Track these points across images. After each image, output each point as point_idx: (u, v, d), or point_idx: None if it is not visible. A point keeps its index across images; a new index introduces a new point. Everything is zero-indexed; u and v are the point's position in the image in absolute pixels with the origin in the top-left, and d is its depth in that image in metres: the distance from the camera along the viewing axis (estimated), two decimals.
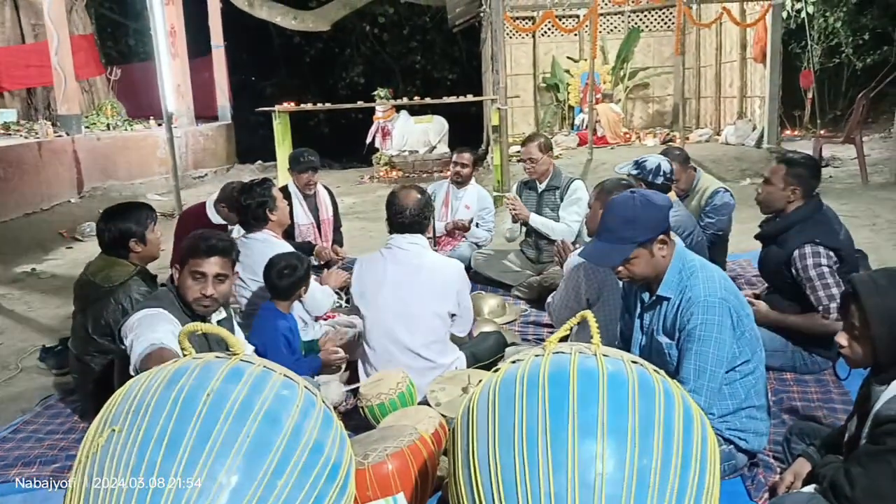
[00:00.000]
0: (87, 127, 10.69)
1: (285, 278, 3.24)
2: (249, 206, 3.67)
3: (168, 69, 8.03)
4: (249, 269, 3.54)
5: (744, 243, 5.24)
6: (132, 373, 2.37)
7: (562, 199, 4.68)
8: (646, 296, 2.49)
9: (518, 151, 10.72)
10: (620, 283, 2.75)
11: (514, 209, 4.69)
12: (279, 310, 3.26)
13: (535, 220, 4.68)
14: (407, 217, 3.07)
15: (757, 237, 3.43)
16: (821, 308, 3.09)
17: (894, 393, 1.86)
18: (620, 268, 2.40)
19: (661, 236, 2.35)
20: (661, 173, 3.69)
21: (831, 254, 3.09)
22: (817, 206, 3.23)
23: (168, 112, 7.46)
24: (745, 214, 5.30)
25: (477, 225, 5.18)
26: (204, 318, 2.63)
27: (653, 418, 1.54)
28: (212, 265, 2.59)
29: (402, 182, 10.83)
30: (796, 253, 3.11)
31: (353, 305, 3.17)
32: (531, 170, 4.73)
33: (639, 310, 2.53)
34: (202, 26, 13.33)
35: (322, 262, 4.72)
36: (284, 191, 4.89)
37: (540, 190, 4.77)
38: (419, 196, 3.11)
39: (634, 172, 3.73)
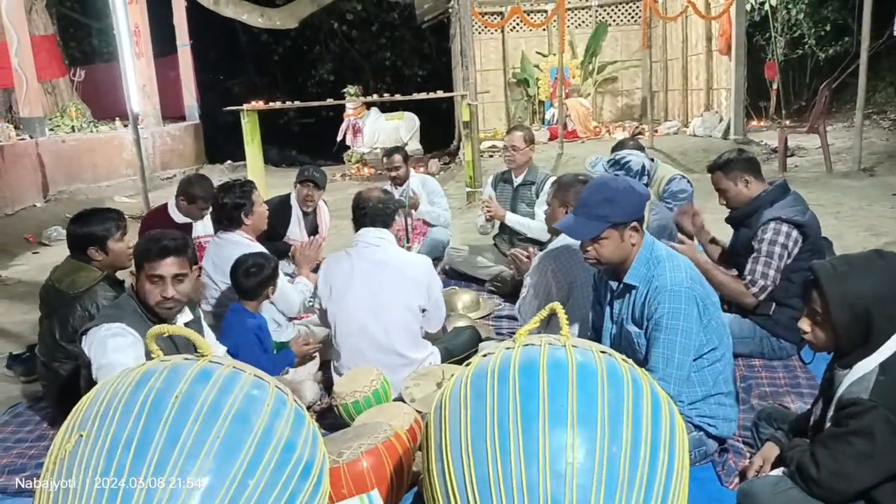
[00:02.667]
0: (51, 129, 10.48)
1: (251, 277, 3.22)
2: (225, 205, 3.62)
3: (133, 69, 7.88)
4: (220, 270, 3.50)
5: (711, 233, 5.32)
6: None
7: (537, 195, 4.66)
8: (614, 284, 2.53)
9: (490, 146, 10.84)
10: (590, 278, 2.79)
11: (489, 211, 4.68)
12: (247, 309, 3.24)
13: (511, 220, 4.66)
14: (369, 209, 3.10)
15: (728, 220, 3.50)
16: (748, 278, 3.20)
17: (856, 377, 1.91)
18: (589, 247, 2.43)
19: (633, 223, 2.39)
20: (646, 173, 3.73)
21: (794, 232, 3.15)
22: (784, 188, 3.31)
23: (134, 113, 7.33)
24: (711, 204, 5.35)
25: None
26: (168, 321, 2.60)
27: (621, 407, 1.56)
28: (168, 266, 2.51)
29: (375, 180, 10.80)
30: (761, 229, 3.18)
31: (322, 309, 3.15)
32: (511, 158, 4.71)
33: (608, 299, 2.57)
34: (167, 25, 13.14)
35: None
36: (286, 202, 4.81)
37: (516, 184, 4.76)
38: (381, 193, 3.18)
39: (619, 174, 3.72)
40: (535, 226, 4.55)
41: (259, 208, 3.71)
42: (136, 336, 2.45)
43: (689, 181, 4.41)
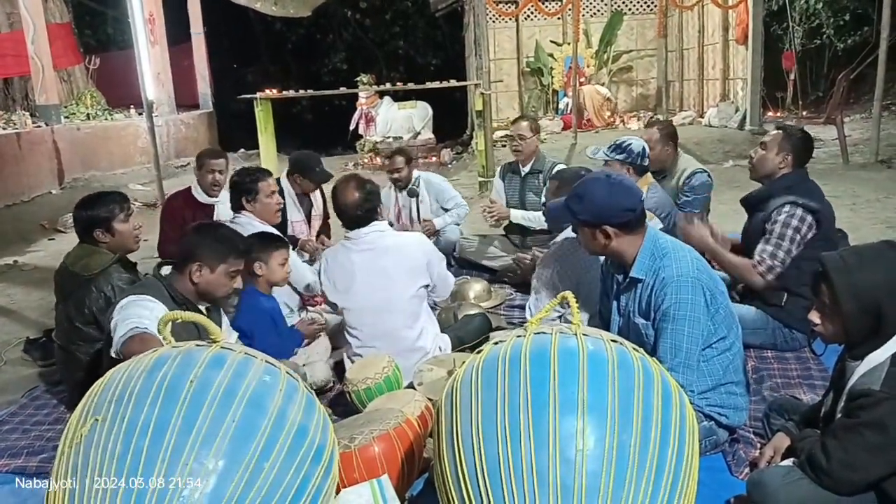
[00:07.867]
0: (66, 117, 10.56)
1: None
2: (234, 186, 3.76)
3: (147, 57, 7.90)
4: None
5: (725, 224, 5.29)
6: (113, 355, 2.37)
7: (545, 184, 4.67)
8: (620, 277, 2.53)
9: (503, 136, 10.82)
10: (598, 273, 2.80)
11: (492, 213, 4.69)
12: (260, 291, 3.30)
13: (517, 216, 4.68)
14: (345, 217, 3.09)
15: (742, 202, 3.47)
16: (756, 258, 3.17)
17: (868, 368, 1.90)
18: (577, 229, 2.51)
19: (604, 226, 2.37)
20: (647, 155, 3.80)
21: (808, 217, 3.12)
22: (803, 176, 3.30)
23: (148, 101, 7.35)
24: (727, 196, 5.34)
25: (445, 210, 5.07)
26: (195, 308, 2.62)
27: (632, 395, 1.56)
28: (243, 262, 2.75)
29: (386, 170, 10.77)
30: (775, 211, 3.16)
31: (330, 302, 3.17)
32: (518, 147, 4.70)
33: (615, 292, 2.57)
34: (181, 13, 13.18)
35: (309, 258, 4.63)
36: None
37: (523, 174, 4.77)
38: (357, 192, 3.05)
39: (620, 157, 3.76)
40: (542, 218, 4.55)
41: (266, 199, 3.74)
42: (164, 309, 2.48)
43: (710, 175, 4.35)
